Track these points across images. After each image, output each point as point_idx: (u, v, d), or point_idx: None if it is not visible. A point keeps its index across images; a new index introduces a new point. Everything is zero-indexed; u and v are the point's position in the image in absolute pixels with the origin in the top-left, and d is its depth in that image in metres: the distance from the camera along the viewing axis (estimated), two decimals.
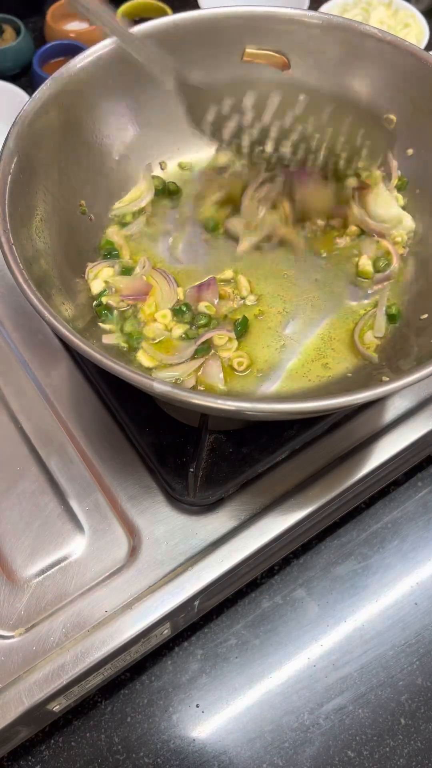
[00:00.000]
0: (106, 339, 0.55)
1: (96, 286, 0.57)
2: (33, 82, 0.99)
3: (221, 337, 0.55)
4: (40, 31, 1.08)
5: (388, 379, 0.46)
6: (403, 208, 0.61)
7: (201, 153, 0.66)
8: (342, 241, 0.61)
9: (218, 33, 0.61)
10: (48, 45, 0.99)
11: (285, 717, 0.63)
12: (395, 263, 0.59)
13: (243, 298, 0.58)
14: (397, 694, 0.64)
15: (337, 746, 0.62)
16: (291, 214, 0.61)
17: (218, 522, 0.55)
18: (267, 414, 0.43)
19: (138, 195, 0.63)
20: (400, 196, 0.61)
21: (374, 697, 0.64)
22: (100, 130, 0.61)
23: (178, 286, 0.58)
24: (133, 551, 0.54)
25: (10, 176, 0.49)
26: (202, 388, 0.54)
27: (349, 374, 0.55)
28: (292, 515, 0.55)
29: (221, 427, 0.55)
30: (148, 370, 0.54)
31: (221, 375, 0.54)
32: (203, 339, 0.54)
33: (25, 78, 1.03)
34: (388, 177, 0.62)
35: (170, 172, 0.66)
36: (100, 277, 0.57)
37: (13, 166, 0.50)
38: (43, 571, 0.53)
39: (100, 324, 0.56)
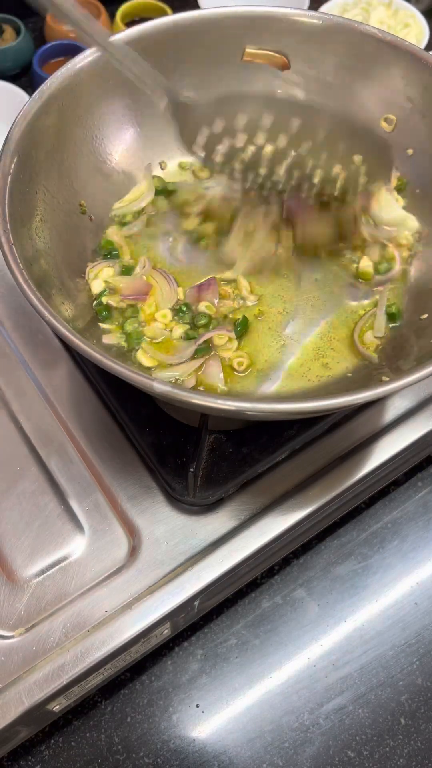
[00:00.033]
0: (106, 339, 0.55)
1: (96, 286, 0.57)
2: (33, 82, 0.99)
3: (221, 337, 0.55)
4: (40, 31, 1.08)
5: (388, 379, 0.46)
6: (403, 209, 0.61)
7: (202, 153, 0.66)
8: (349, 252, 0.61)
9: (218, 33, 0.61)
10: (48, 45, 0.99)
11: (285, 717, 0.63)
12: (398, 267, 0.59)
13: (243, 299, 0.58)
14: (397, 694, 0.64)
15: (337, 746, 0.62)
16: (291, 247, 0.60)
17: (218, 522, 0.55)
18: (267, 414, 0.43)
19: (138, 195, 0.63)
20: (399, 197, 0.61)
21: (374, 697, 0.64)
22: (100, 130, 0.61)
23: (178, 286, 0.58)
24: (133, 551, 0.54)
25: (10, 176, 0.49)
26: (202, 388, 0.54)
27: (349, 374, 0.55)
28: (292, 515, 0.55)
29: (221, 427, 0.55)
30: (148, 370, 0.54)
31: (221, 375, 0.54)
32: (203, 339, 0.54)
33: (25, 78, 1.03)
34: (387, 179, 0.62)
35: (170, 172, 0.66)
36: (100, 277, 0.57)
37: (13, 166, 0.50)
38: (43, 571, 0.53)
39: (100, 324, 0.56)
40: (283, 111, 0.55)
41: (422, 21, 1.00)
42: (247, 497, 0.56)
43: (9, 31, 1.02)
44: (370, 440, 0.59)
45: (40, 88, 0.54)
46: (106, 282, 0.57)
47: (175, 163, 0.66)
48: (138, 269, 0.58)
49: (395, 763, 0.62)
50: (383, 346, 0.56)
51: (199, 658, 0.65)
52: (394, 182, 0.62)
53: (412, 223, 0.60)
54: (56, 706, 0.53)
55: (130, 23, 1.04)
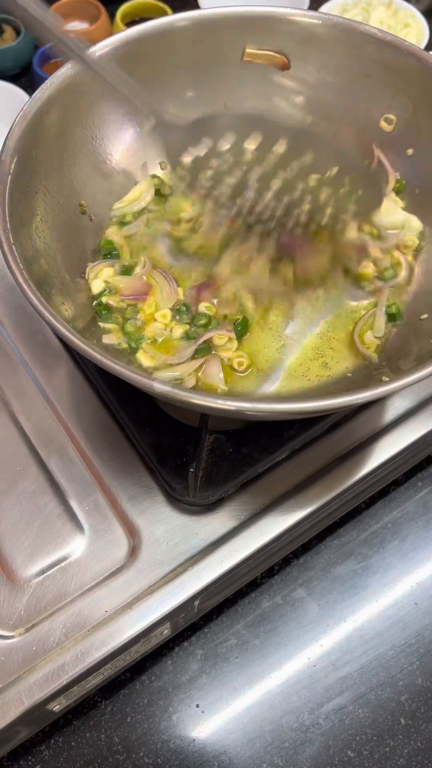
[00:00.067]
0: (106, 339, 0.55)
1: (96, 286, 0.57)
2: (33, 82, 0.99)
3: (221, 337, 0.55)
4: None
5: (388, 379, 0.46)
6: (403, 210, 0.61)
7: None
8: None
9: (218, 33, 0.61)
10: (48, 45, 0.98)
11: (285, 717, 0.63)
12: (403, 273, 0.59)
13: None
14: (397, 694, 0.64)
15: (337, 746, 0.62)
16: (291, 282, 0.58)
17: (218, 522, 0.55)
18: (267, 414, 0.43)
19: (138, 195, 0.63)
20: (398, 198, 0.61)
21: (374, 697, 0.64)
22: (100, 130, 0.61)
23: (178, 286, 0.58)
24: (133, 551, 0.54)
25: (10, 176, 0.49)
26: (202, 388, 0.54)
27: (349, 374, 0.55)
28: (292, 515, 0.55)
29: (221, 427, 0.55)
30: (149, 370, 0.54)
31: (221, 375, 0.54)
32: (203, 339, 0.54)
33: (25, 78, 1.03)
34: (385, 181, 0.62)
35: (170, 171, 0.66)
36: (100, 276, 0.57)
37: (13, 166, 0.50)
38: (43, 571, 0.53)
39: (100, 324, 0.56)
40: (271, 131, 0.53)
41: (422, 21, 1.00)
42: (247, 497, 0.56)
43: (9, 31, 1.02)
44: (370, 440, 0.59)
45: (40, 88, 0.54)
46: (106, 282, 0.57)
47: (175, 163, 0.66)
48: (138, 269, 0.58)
49: (395, 763, 0.62)
50: (383, 346, 0.56)
51: (199, 658, 0.65)
52: (392, 184, 0.61)
53: (415, 223, 0.60)
54: (56, 706, 0.53)
55: (130, 23, 1.04)
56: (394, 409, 0.61)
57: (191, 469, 0.53)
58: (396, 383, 0.42)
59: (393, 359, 0.54)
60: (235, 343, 0.55)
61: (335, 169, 0.53)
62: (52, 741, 0.62)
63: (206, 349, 0.55)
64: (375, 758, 0.62)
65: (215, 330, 0.55)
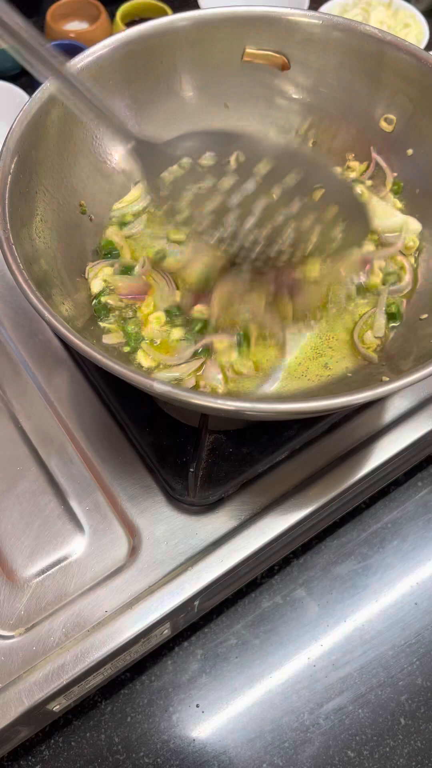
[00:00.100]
0: (106, 339, 0.55)
1: (96, 285, 0.57)
2: (33, 82, 0.99)
3: (222, 342, 0.54)
4: (40, 31, 1.08)
5: (388, 379, 0.46)
6: (401, 211, 0.61)
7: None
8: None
9: (218, 33, 0.61)
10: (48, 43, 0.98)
11: (285, 717, 0.63)
12: (407, 278, 0.58)
13: None
14: (397, 694, 0.64)
15: (337, 746, 0.62)
16: (289, 318, 0.57)
17: (218, 522, 0.55)
18: (267, 414, 0.43)
19: (138, 195, 0.63)
20: (396, 200, 0.61)
21: (374, 697, 0.64)
22: (100, 130, 0.60)
23: (177, 288, 0.58)
24: (133, 551, 0.54)
25: (10, 176, 0.49)
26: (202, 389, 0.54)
27: (349, 374, 0.55)
28: (292, 515, 0.55)
29: (221, 427, 0.55)
30: (148, 370, 0.54)
31: (220, 376, 0.54)
32: (203, 343, 0.54)
33: (25, 78, 1.03)
34: (382, 183, 0.62)
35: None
36: (100, 276, 0.57)
37: (13, 166, 0.50)
38: (43, 571, 0.53)
39: (100, 323, 0.56)
40: (253, 152, 0.50)
41: (422, 21, 1.00)
42: (247, 497, 0.56)
43: None
44: (370, 440, 0.59)
45: (40, 88, 0.54)
46: (105, 281, 0.57)
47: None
48: (137, 269, 0.58)
49: (395, 763, 0.62)
50: (383, 346, 0.56)
51: (199, 658, 0.65)
52: (389, 185, 0.61)
53: (414, 225, 0.60)
54: (56, 706, 0.53)
55: (130, 23, 1.04)
56: (394, 409, 0.61)
57: (191, 469, 0.53)
58: (396, 383, 0.42)
59: (393, 359, 0.54)
60: (235, 351, 0.55)
61: (320, 193, 0.50)
62: (52, 741, 0.62)
63: (206, 351, 0.55)
64: (375, 758, 0.62)
65: (216, 335, 0.55)
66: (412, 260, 0.59)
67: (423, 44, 0.98)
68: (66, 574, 0.53)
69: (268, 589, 0.69)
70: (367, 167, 0.63)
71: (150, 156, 0.50)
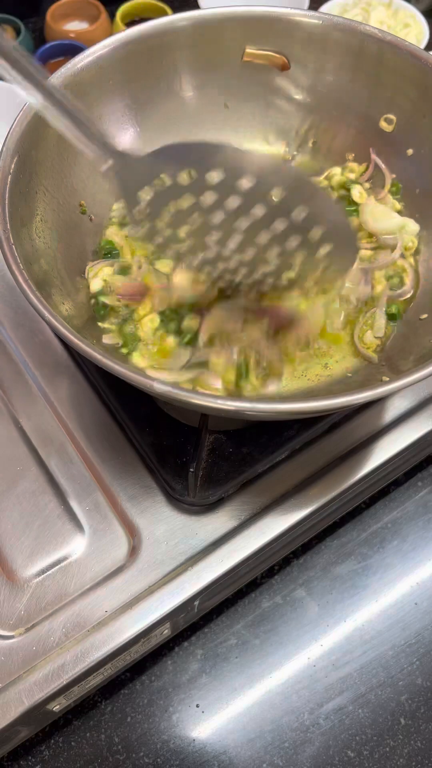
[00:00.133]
0: (106, 339, 0.55)
1: (95, 285, 0.57)
2: None
3: (219, 359, 0.53)
4: (40, 31, 1.08)
5: (388, 379, 0.46)
6: (400, 212, 0.61)
7: None
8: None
9: (218, 33, 0.61)
10: (48, 45, 0.99)
11: (285, 717, 0.63)
12: (409, 283, 0.58)
13: None
14: (397, 694, 0.64)
15: (337, 746, 0.62)
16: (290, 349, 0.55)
17: (218, 522, 0.55)
18: (267, 414, 0.43)
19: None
20: (396, 201, 0.61)
21: (374, 697, 0.64)
22: (99, 129, 0.61)
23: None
24: (133, 551, 0.54)
25: (10, 176, 0.49)
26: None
27: (349, 374, 0.55)
28: (292, 515, 0.55)
29: (221, 427, 0.55)
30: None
31: (219, 384, 0.53)
32: (199, 357, 0.53)
33: None
34: (381, 185, 0.62)
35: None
36: (99, 276, 0.57)
37: (13, 166, 0.50)
38: (43, 571, 0.53)
39: (99, 323, 0.56)
40: (235, 167, 0.46)
41: (422, 21, 1.00)
42: (247, 497, 0.56)
43: (9, 31, 1.02)
44: (370, 440, 0.59)
45: None
46: (104, 281, 0.57)
47: None
48: (135, 270, 0.58)
49: (395, 763, 0.62)
50: (383, 346, 0.56)
51: (199, 658, 0.65)
52: (388, 187, 0.61)
53: (412, 226, 0.60)
54: (56, 706, 0.53)
55: (130, 23, 1.04)
56: (394, 409, 0.61)
57: (191, 469, 0.53)
58: (396, 383, 0.42)
59: (393, 359, 0.54)
60: (232, 373, 0.53)
61: (303, 213, 0.46)
62: (52, 741, 0.62)
63: (202, 364, 0.53)
64: (375, 758, 0.62)
65: (212, 351, 0.53)
66: (411, 260, 0.59)
67: (423, 44, 0.98)
68: (66, 574, 0.53)
69: (268, 589, 0.69)
70: (366, 169, 0.63)
71: (127, 173, 0.47)
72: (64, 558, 0.53)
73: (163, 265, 0.56)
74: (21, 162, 0.51)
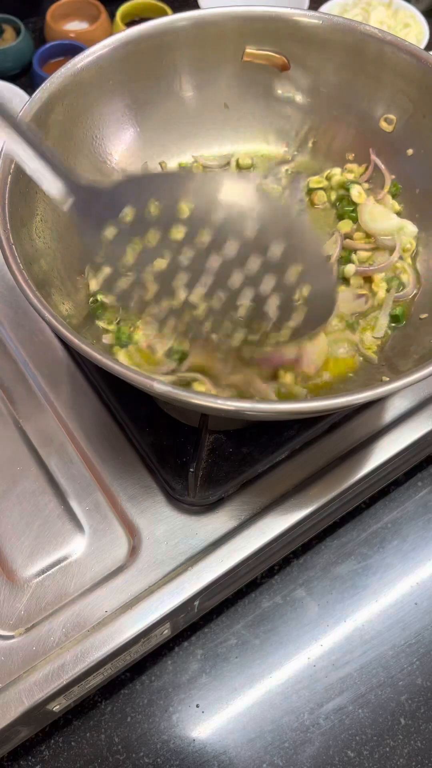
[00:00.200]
0: (106, 339, 0.55)
1: (94, 284, 0.57)
2: (33, 82, 0.99)
3: (202, 384, 0.52)
4: (40, 31, 1.08)
5: (388, 379, 0.46)
6: (399, 213, 0.61)
7: (201, 153, 0.66)
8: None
9: (218, 33, 0.61)
10: (48, 45, 0.99)
11: (285, 717, 0.63)
12: (411, 282, 0.58)
13: None
14: (397, 694, 0.64)
15: (337, 746, 0.62)
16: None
17: (218, 522, 0.55)
18: (267, 414, 0.43)
19: None
20: (395, 202, 0.61)
21: (374, 697, 0.64)
22: (100, 129, 0.61)
23: None
24: (133, 551, 0.54)
25: (10, 176, 0.49)
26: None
27: (350, 374, 0.55)
28: (292, 515, 0.55)
29: (221, 427, 0.55)
30: None
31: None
32: (184, 380, 0.51)
33: (25, 78, 1.03)
34: (380, 185, 0.62)
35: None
36: (99, 275, 0.57)
37: (12, 166, 0.50)
38: (43, 571, 0.53)
39: (97, 322, 0.56)
40: (204, 199, 0.42)
41: (422, 21, 1.00)
42: (247, 497, 0.56)
43: (9, 31, 1.02)
44: (370, 440, 0.59)
45: (40, 88, 0.55)
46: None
47: (174, 163, 0.66)
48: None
49: (395, 763, 0.62)
50: (383, 346, 0.56)
51: (199, 658, 0.65)
52: (387, 187, 0.61)
53: (411, 228, 0.60)
54: (56, 706, 0.53)
55: (130, 23, 1.04)
56: (394, 409, 0.61)
57: (191, 469, 0.53)
58: (396, 383, 0.42)
59: (393, 359, 0.54)
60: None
61: (279, 250, 0.42)
62: (52, 741, 0.62)
63: (187, 383, 0.52)
64: (375, 758, 0.62)
65: (198, 381, 0.51)
66: (410, 261, 0.59)
67: (423, 44, 0.98)
68: (66, 574, 0.53)
69: (268, 589, 0.69)
70: (366, 169, 0.63)
71: (90, 208, 0.43)
72: (64, 558, 0.53)
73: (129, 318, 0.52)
74: None
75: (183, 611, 0.54)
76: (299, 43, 0.61)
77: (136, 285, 0.44)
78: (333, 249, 0.59)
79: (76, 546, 0.54)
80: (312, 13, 0.60)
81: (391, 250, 0.59)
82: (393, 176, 0.62)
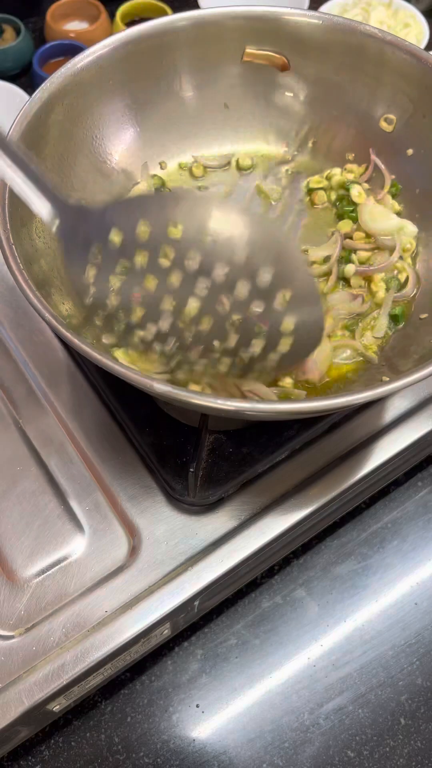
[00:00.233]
0: (106, 339, 0.55)
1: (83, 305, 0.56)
2: (33, 82, 0.99)
3: (198, 389, 0.51)
4: (40, 31, 1.08)
5: (388, 379, 0.46)
6: (399, 213, 0.61)
7: (201, 153, 0.66)
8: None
9: (218, 33, 0.61)
10: (48, 45, 0.99)
11: (285, 717, 0.63)
12: (411, 283, 0.58)
13: None
14: (397, 694, 0.64)
15: (337, 746, 0.62)
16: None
17: (218, 522, 0.55)
18: (267, 414, 0.43)
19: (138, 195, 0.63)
20: (395, 202, 0.61)
21: (374, 697, 0.64)
22: (100, 129, 0.61)
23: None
24: (133, 551, 0.54)
25: None
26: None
27: (349, 374, 0.55)
28: (292, 515, 0.55)
29: (221, 427, 0.55)
30: None
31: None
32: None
33: (25, 78, 1.03)
34: (380, 185, 0.62)
35: (170, 171, 0.66)
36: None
37: None
38: (43, 571, 0.53)
39: (96, 321, 0.56)
40: (193, 221, 0.41)
41: (422, 21, 1.00)
42: (247, 497, 0.56)
43: (9, 31, 1.02)
44: (370, 440, 0.59)
45: (40, 88, 0.55)
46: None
47: (174, 163, 0.66)
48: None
49: (395, 763, 0.62)
50: (383, 346, 0.56)
51: (199, 658, 0.65)
52: (387, 187, 0.61)
53: (411, 228, 0.60)
54: (56, 706, 0.53)
55: (130, 23, 1.04)
56: (394, 409, 0.61)
57: (191, 469, 0.53)
58: (396, 383, 0.42)
59: (393, 359, 0.54)
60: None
61: (268, 276, 0.41)
62: (52, 741, 0.62)
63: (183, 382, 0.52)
64: (375, 758, 0.62)
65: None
66: (409, 261, 0.59)
67: (423, 44, 0.98)
68: (66, 574, 0.53)
69: (268, 589, 0.69)
70: (366, 169, 0.63)
71: (78, 229, 0.43)
72: (64, 558, 0.53)
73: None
74: None
75: (183, 611, 0.54)
76: (299, 43, 0.61)
77: (121, 309, 0.44)
78: (333, 249, 0.59)
79: (76, 546, 0.54)
80: (312, 13, 0.60)
81: (391, 250, 0.59)
82: (393, 176, 0.62)
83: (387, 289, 0.58)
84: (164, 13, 1.04)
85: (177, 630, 0.61)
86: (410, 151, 0.60)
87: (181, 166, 0.66)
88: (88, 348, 0.42)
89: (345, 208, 0.61)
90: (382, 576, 0.70)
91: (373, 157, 0.62)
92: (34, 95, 0.54)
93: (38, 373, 0.61)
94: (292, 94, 0.64)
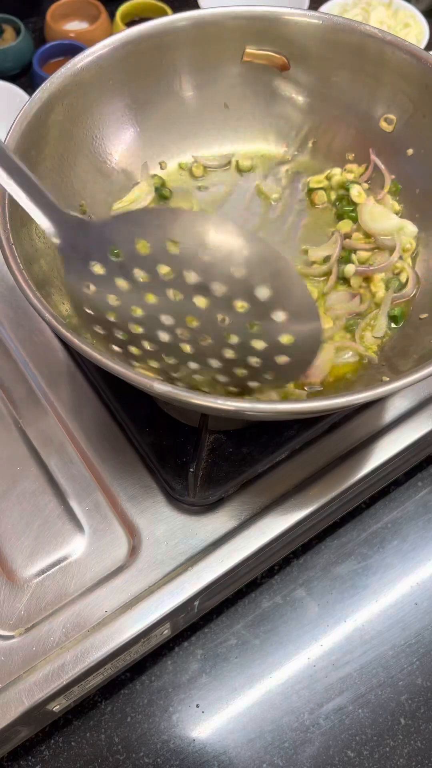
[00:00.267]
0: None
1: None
2: (33, 82, 0.99)
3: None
4: (40, 31, 1.08)
5: (388, 379, 0.46)
6: (399, 213, 0.61)
7: (201, 153, 0.66)
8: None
9: (218, 33, 0.61)
10: (48, 45, 0.99)
11: (285, 717, 0.63)
12: (410, 283, 0.58)
13: None
14: (397, 694, 0.64)
15: (337, 746, 0.62)
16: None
17: (218, 522, 0.55)
18: (267, 414, 0.43)
19: (138, 195, 0.63)
20: (395, 202, 0.61)
21: (374, 697, 0.64)
22: (100, 129, 0.61)
23: None
24: (133, 551, 0.54)
25: None
26: None
27: (349, 374, 0.55)
28: (292, 515, 0.55)
29: (221, 427, 0.55)
30: None
31: None
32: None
33: (25, 78, 1.03)
34: (380, 185, 0.62)
35: (170, 171, 0.66)
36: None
37: None
38: (43, 571, 0.53)
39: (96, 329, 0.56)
40: (192, 237, 0.41)
41: (422, 21, 1.00)
42: (247, 497, 0.56)
43: (9, 31, 1.02)
44: (370, 440, 0.59)
45: (40, 88, 0.54)
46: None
47: (174, 163, 0.66)
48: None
49: (395, 763, 0.62)
50: (383, 346, 0.56)
51: (199, 658, 0.65)
52: (387, 187, 0.61)
53: (411, 228, 0.60)
54: (56, 706, 0.53)
55: (129, 23, 1.04)
56: (394, 409, 0.61)
57: (191, 469, 0.53)
58: (396, 383, 0.41)
59: (393, 359, 0.54)
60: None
61: (266, 294, 0.41)
62: (52, 741, 0.62)
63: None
64: (375, 758, 0.62)
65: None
66: (409, 261, 0.59)
67: (423, 44, 0.98)
68: (66, 574, 0.53)
69: (268, 589, 0.69)
70: (366, 169, 0.63)
71: (77, 243, 0.43)
72: (64, 558, 0.53)
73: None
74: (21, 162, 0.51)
75: (183, 611, 0.54)
76: (299, 43, 0.61)
77: (118, 324, 0.44)
78: (333, 249, 0.59)
79: (76, 546, 0.54)
80: (312, 13, 0.60)
81: (391, 250, 0.59)
82: (393, 176, 0.62)
83: (387, 289, 0.58)
84: (164, 13, 1.04)
85: (177, 630, 0.61)
86: (410, 151, 0.60)
87: (181, 166, 0.66)
88: (88, 348, 0.42)
89: (345, 208, 0.61)
90: (382, 576, 0.70)
91: (373, 157, 0.62)
92: (34, 95, 0.54)
93: (38, 373, 0.61)
94: (292, 94, 0.64)
